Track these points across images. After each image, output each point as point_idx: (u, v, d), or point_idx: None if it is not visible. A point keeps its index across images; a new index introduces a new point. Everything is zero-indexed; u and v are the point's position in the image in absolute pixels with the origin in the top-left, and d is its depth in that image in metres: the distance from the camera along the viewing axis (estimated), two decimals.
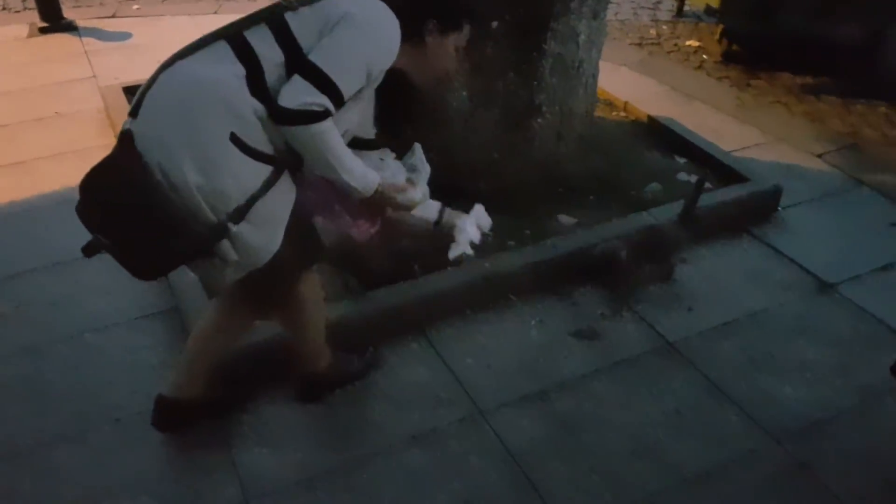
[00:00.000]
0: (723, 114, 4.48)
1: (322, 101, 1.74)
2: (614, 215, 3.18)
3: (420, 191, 2.22)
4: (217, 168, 1.74)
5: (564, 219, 3.20)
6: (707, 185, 3.20)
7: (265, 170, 1.82)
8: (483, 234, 2.48)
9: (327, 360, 2.40)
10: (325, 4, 1.84)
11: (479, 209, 2.53)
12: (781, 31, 4.96)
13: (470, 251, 2.43)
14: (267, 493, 2.15)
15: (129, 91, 4.25)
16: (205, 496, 2.14)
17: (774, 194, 3.47)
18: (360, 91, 1.87)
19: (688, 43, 5.84)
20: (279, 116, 1.75)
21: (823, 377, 2.56)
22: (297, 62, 1.77)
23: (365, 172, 1.95)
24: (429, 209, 2.43)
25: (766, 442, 2.32)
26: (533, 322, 2.79)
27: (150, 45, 5.29)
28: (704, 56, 5.59)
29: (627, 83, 4.69)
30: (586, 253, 2.94)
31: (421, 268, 2.79)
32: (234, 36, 1.80)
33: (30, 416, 2.39)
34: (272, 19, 1.81)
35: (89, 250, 1.77)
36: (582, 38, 3.20)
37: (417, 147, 2.33)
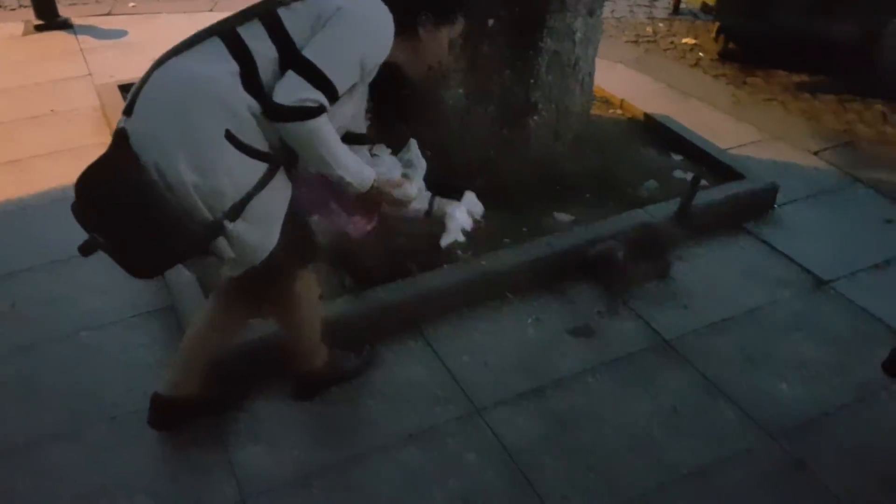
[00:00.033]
0: (719, 111, 4.48)
1: (317, 96, 1.73)
2: (611, 213, 3.19)
3: (416, 186, 2.21)
4: (212, 166, 1.73)
5: (561, 216, 3.20)
6: (703, 182, 3.20)
7: (260, 167, 1.81)
8: (475, 221, 2.44)
9: (323, 358, 2.39)
10: None
11: (469, 196, 2.49)
12: (778, 28, 4.97)
13: (462, 238, 2.39)
14: (263, 491, 2.14)
15: (125, 89, 4.23)
16: (201, 494, 2.14)
17: (770, 192, 3.47)
18: (354, 86, 1.86)
19: (684, 40, 5.85)
20: (274, 113, 1.74)
21: (819, 374, 2.57)
22: (291, 58, 1.76)
23: (361, 168, 1.95)
24: (419, 199, 2.42)
25: (763, 439, 2.32)
26: (529, 320, 2.79)
27: (145, 42, 5.28)
28: (701, 54, 5.60)
29: (624, 81, 4.69)
30: (583, 251, 2.94)
31: (417, 266, 2.79)
32: (227, 32, 1.79)
33: (25, 415, 2.38)
34: (265, 15, 1.80)
35: (86, 250, 1.76)
36: (578, 35, 3.20)
37: (413, 143, 2.32)
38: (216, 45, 1.78)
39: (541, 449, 2.28)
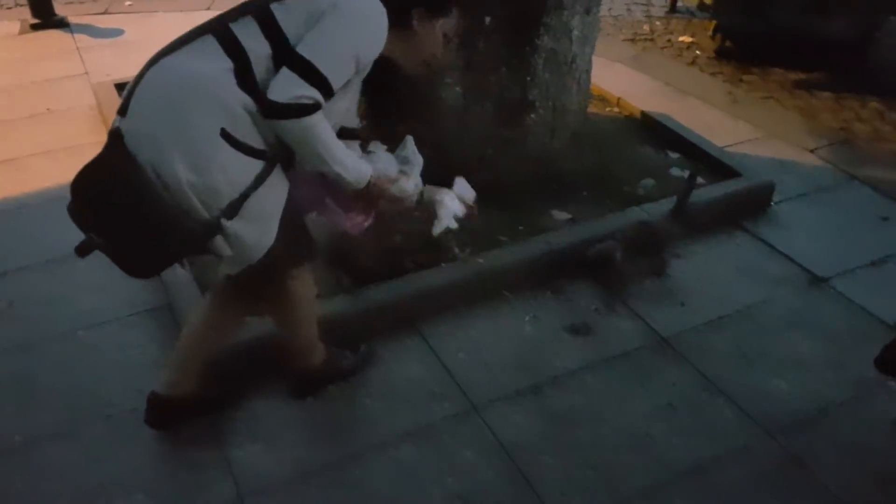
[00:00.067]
0: (716, 109, 4.48)
1: (311, 93, 1.72)
2: (608, 211, 3.19)
3: (413, 182, 2.20)
4: (208, 164, 1.73)
5: (558, 214, 3.20)
6: (700, 180, 3.20)
7: (257, 164, 1.81)
8: (467, 207, 2.38)
9: (320, 357, 2.39)
10: None
11: (460, 182, 2.44)
12: (774, 26, 4.97)
13: (454, 225, 2.34)
14: (261, 489, 2.14)
15: (122, 88, 4.17)
16: (199, 493, 2.13)
17: (767, 189, 3.48)
18: (348, 81, 1.85)
19: (681, 39, 5.85)
20: (269, 110, 1.74)
21: (816, 371, 2.57)
22: (285, 54, 1.75)
23: (357, 164, 1.94)
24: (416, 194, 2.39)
25: (759, 436, 2.33)
26: (527, 317, 2.79)
27: (142, 41, 5.25)
28: (698, 52, 5.60)
29: (621, 79, 4.68)
30: (580, 249, 2.94)
31: (414, 264, 2.79)
32: (220, 29, 1.78)
33: (22, 414, 2.38)
34: (258, 11, 1.79)
35: (82, 250, 1.76)
36: (575, 33, 3.20)
37: (409, 139, 2.31)
38: (210, 43, 1.77)
39: (539, 446, 2.28)
